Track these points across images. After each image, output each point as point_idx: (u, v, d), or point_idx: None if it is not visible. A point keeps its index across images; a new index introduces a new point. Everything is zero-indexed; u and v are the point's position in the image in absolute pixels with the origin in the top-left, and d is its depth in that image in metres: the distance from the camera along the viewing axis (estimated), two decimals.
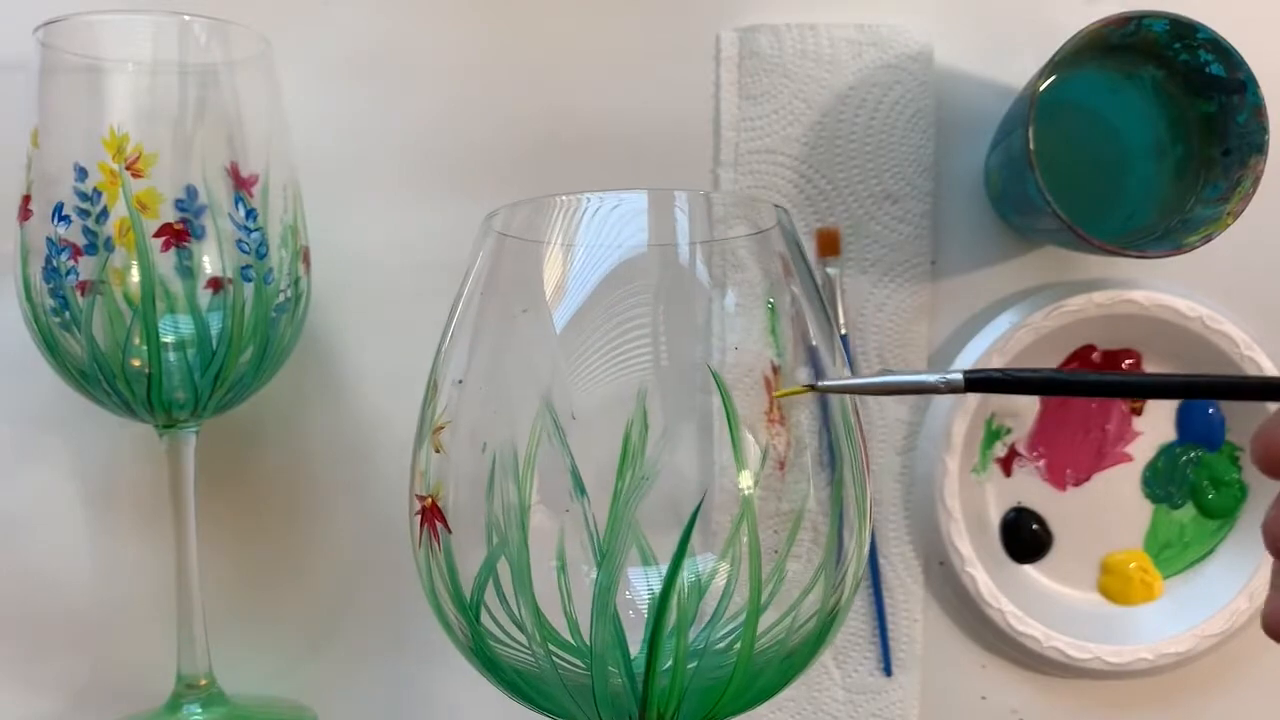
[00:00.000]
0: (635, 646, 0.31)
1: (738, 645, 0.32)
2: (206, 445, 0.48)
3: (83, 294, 0.43)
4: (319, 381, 0.53)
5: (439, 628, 0.53)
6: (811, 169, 0.52)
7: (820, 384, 0.32)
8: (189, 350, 0.44)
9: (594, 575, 0.31)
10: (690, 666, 0.32)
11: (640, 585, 0.31)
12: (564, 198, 0.34)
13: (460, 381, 0.33)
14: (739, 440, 0.31)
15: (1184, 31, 0.45)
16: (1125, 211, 0.50)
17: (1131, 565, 0.52)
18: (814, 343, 0.33)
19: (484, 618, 0.33)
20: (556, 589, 0.31)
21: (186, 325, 0.43)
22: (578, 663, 0.32)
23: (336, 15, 0.53)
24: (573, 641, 0.32)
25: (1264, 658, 0.53)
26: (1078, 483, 0.53)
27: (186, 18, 0.44)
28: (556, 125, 0.53)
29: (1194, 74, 0.47)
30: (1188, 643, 0.50)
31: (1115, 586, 0.52)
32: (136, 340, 0.43)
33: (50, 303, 0.43)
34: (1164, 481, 0.53)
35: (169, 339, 0.43)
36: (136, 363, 0.43)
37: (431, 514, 0.33)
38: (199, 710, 0.47)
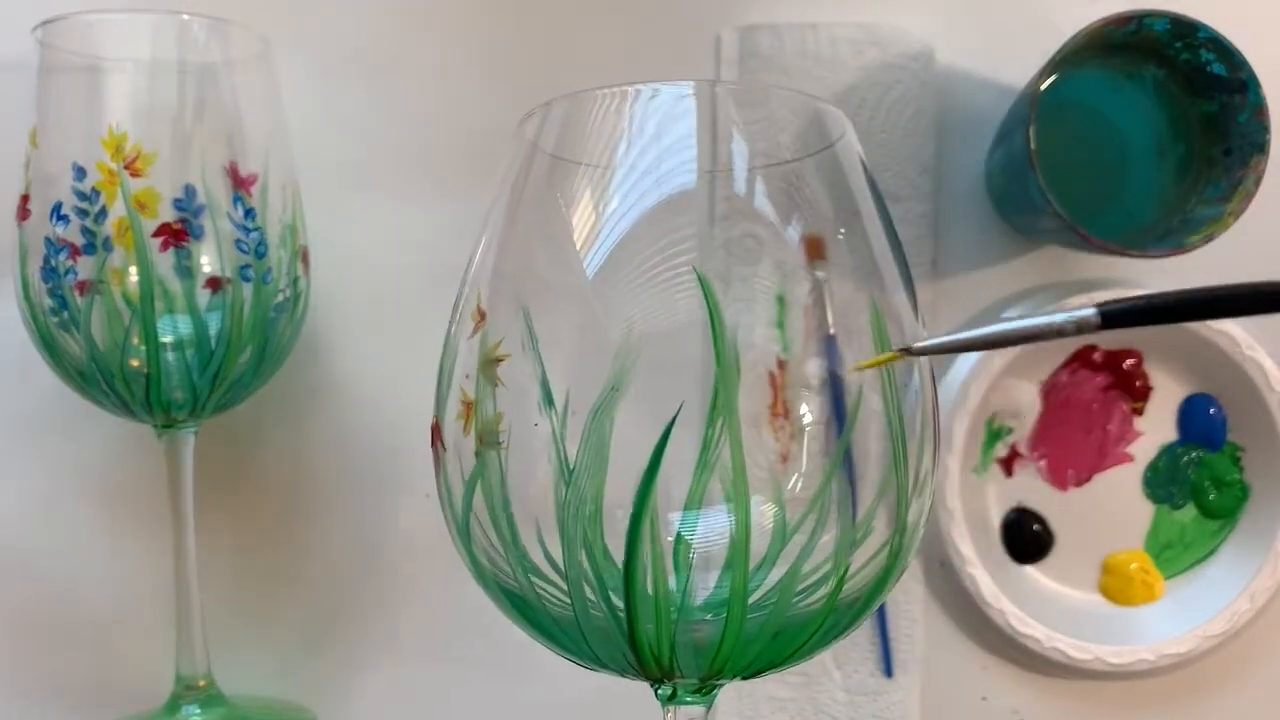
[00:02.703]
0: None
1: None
2: (205, 445, 0.48)
3: (81, 294, 0.42)
4: (318, 381, 0.53)
5: (438, 625, 0.53)
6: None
7: (916, 346, 0.28)
8: (187, 350, 0.43)
9: (563, 491, 0.28)
10: (674, 603, 0.28)
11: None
12: (607, 93, 0.32)
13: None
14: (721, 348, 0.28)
15: (1185, 31, 0.45)
16: (1126, 211, 0.50)
17: (1133, 566, 0.52)
18: (832, 332, 0.31)
19: (476, 538, 0.31)
20: (539, 507, 0.29)
21: (185, 325, 0.43)
22: (561, 589, 0.29)
23: (336, 15, 0.53)
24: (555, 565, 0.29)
25: (1265, 659, 0.53)
26: (1079, 483, 0.53)
27: (186, 17, 0.44)
28: None
29: (1195, 73, 0.47)
30: (1189, 644, 0.50)
31: (1116, 587, 0.52)
32: (135, 340, 0.43)
33: (49, 302, 0.43)
34: (1165, 482, 0.53)
35: (167, 339, 0.43)
36: (135, 363, 0.43)
37: (434, 433, 0.31)
38: (198, 711, 0.47)
